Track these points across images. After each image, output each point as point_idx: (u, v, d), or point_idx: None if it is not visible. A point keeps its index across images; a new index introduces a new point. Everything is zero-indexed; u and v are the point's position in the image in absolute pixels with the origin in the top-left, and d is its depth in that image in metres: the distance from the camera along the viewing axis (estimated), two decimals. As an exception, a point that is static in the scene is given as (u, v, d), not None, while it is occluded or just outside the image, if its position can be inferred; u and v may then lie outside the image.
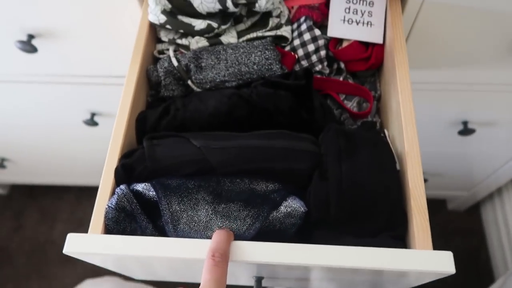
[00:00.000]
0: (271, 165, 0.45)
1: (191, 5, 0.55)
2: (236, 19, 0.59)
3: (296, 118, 0.50)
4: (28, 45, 0.68)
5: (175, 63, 0.54)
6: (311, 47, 0.56)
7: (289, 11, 0.60)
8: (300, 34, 0.57)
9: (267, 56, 0.53)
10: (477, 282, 1.27)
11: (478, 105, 0.84)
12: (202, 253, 0.39)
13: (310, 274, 0.48)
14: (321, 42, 0.56)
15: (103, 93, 0.86)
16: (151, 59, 0.59)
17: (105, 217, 0.43)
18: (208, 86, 0.54)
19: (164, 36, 0.58)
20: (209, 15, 0.57)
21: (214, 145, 0.45)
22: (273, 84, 0.50)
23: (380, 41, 0.58)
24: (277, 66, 0.54)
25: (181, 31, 0.56)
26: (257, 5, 0.55)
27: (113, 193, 0.45)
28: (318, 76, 0.57)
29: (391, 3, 0.57)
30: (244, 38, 0.57)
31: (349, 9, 0.58)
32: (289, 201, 0.43)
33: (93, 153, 1.16)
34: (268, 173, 0.45)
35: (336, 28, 0.57)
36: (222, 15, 0.57)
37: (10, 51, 0.72)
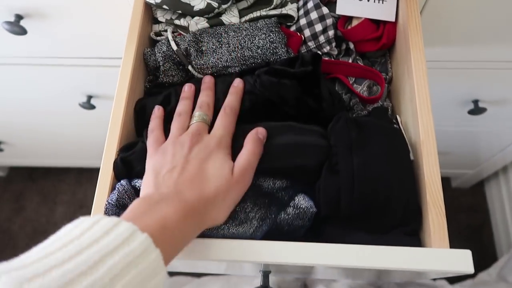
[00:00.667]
0: (279, 162, 0.42)
1: (189, -17, 0.51)
2: (237, -4, 0.55)
3: (303, 108, 0.47)
4: (17, 26, 0.64)
5: (174, 47, 0.50)
6: (318, 27, 0.53)
7: (295, -13, 0.56)
8: (307, 13, 0.53)
9: (271, 39, 0.50)
10: (481, 259, 1.27)
11: (489, 83, 0.80)
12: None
13: (317, 267, 0.46)
14: (329, 21, 0.52)
15: (98, 75, 0.82)
16: (148, 41, 0.55)
17: (105, 214, 0.41)
18: (209, 71, 0.50)
19: (161, 16, 0.54)
20: (209, -6, 0.53)
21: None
22: (278, 72, 0.46)
23: (393, 19, 0.54)
24: (283, 49, 0.50)
25: (179, 11, 0.52)
26: (260, -19, 0.51)
27: (112, 188, 0.43)
28: (326, 58, 0.54)
29: (405, -22, 0.53)
30: (247, 17, 0.54)
31: (359, -16, 0.53)
32: (297, 200, 0.41)
33: (92, 135, 1.14)
34: (276, 169, 0.42)
35: (346, 5, 0.53)
36: (223, -7, 0.53)
37: (-2, 33, 0.68)
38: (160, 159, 0.40)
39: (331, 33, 0.53)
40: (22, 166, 1.44)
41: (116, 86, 0.48)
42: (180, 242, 0.34)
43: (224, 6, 0.52)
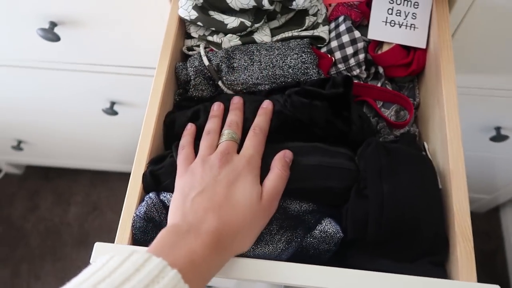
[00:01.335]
0: (305, 183, 0.42)
1: (223, 1, 0.52)
2: (269, 15, 0.55)
3: (332, 129, 0.47)
4: (50, 33, 0.65)
5: (206, 62, 0.51)
6: (349, 50, 0.53)
7: (327, 9, 0.57)
8: (338, 36, 0.54)
9: (303, 60, 0.50)
10: (493, 286, 1.25)
11: (513, 111, 0.80)
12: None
13: None
14: (360, 45, 0.53)
15: (123, 83, 0.83)
16: (180, 55, 0.56)
17: (133, 226, 0.42)
18: (239, 88, 0.51)
19: (194, 31, 0.55)
20: (241, 11, 0.54)
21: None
22: (309, 93, 0.47)
23: (424, 46, 0.54)
24: (314, 70, 0.50)
25: (213, 28, 0.53)
26: (294, 3, 0.51)
27: (141, 200, 0.44)
28: (356, 81, 0.54)
29: (438, 5, 0.53)
30: (279, 37, 0.54)
31: (392, 10, 0.54)
32: (324, 224, 0.41)
33: (109, 139, 1.15)
34: (302, 190, 0.42)
35: (377, 30, 0.54)
36: (255, 11, 0.54)
37: (32, 38, 0.69)
38: (189, 180, 0.40)
39: (361, 56, 0.53)
40: (38, 165, 1.46)
41: (148, 99, 0.49)
42: (207, 276, 0.34)
43: (256, 25, 0.53)
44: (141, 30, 0.68)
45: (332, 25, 0.55)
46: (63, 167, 1.44)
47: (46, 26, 0.66)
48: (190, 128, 0.47)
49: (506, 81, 0.71)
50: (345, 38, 0.53)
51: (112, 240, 0.41)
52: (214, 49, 0.54)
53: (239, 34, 0.53)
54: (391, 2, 0.54)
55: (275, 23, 0.56)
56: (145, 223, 0.41)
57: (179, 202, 0.39)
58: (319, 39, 0.54)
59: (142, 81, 0.81)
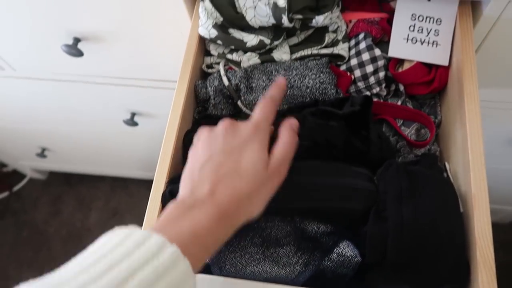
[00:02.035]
0: (323, 204, 0.42)
1: (243, 18, 0.52)
2: (288, 31, 0.55)
3: (350, 149, 0.46)
4: (74, 49, 0.67)
5: (226, 82, 0.51)
6: (369, 68, 0.52)
7: (347, 25, 0.56)
8: (358, 53, 0.53)
9: (321, 80, 0.50)
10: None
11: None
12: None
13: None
14: (380, 63, 0.52)
15: (144, 95, 0.85)
16: (199, 73, 0.56)
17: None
18: (258, 107, 0.51)
19: (213, 49, 0.56)
20: (261, 28, 0.54)
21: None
22: (325, 113, 0.46)
23: (446, 63, 0.53)
24: (332, 90, 0.50)
25: (232, 46, 0.53)
26: (314, 21, 0.51)
27: (159, 219, 0.44)
28: (375, 99, 0.53)
29: (461, 21, 0.52)
30: (298, 54, 0.54)
31: (414, 26, 0.53)
32: (342, 247, 0.40)
33: (129, 147, 1.17)
34: (320, 211, 0.42)
35: (399, 47, 0.53)
36: (275, 28, 0.54)
37: (56, 52, 0.71)
38: (196, 152, 0.40)
39: (381, 74, 0.53)
40: (61, 172, 1.50)
41: (168, 117, 0.50)
42: (212, 246, 0.34)
43: (276, 43, 0.53)
44: (162, 45, 0.69)
45: (352, 42, 0.55)
46: (85, 173, 1.47)
47: (70, 42, 0.68)
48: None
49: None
50: (365, 56, 0.52)
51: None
52: (233, 67, 0.55)
53: (258, 52, 0.54)
54: (413, 19, 0.53)
55: (294, 40, 0.56)
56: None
57: (187, 175, 0.39)
58: (339, 56, 0.54)
59: (162, 93, 0.82)
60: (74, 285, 0.27)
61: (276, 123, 0.44)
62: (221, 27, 0.53)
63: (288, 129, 0.40)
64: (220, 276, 0.40)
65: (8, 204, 1.49)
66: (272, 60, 0.53)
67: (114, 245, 0.30)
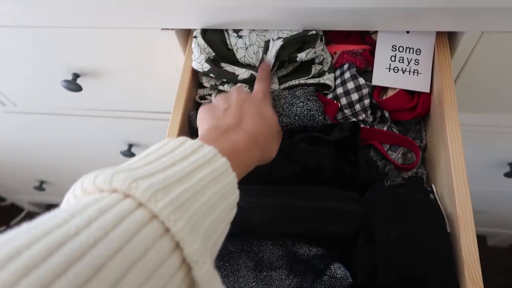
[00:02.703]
0: (314, 227, 0.43)
1: (234, 55, 0.55)
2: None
3: (339, 174, 0.48)
4: (73, 84, 0.70)
5: (217, 112, 0.53)
6: (354, 96, 0.55)
7: (332, 57, 0.60)
8: (344, 83, 0.56)
9: (309, 107, 0.52)
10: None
11: (526, 147, 0.80)
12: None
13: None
14: (365, 91, 0.55)
15: (141, 127, 0.87)
16: (193, 104, 0.59)
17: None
18: (249, 136, 0.53)
19: (206, 82, 0.58)
20: (250, 63, 0.57)
21: (255, 203, 0.44)
22: (315, 139, 0.49)
23: (427, 90, 0.56)
24: (320, 117, 0.52)
25: (224, 79, 0.56)
26: (298, 58, 0.54)
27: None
28: (362, 125, 0.56)
29: (439, 51, 0.55)
30: (286, 84, 0.57)
31: (395, 57, 0.56)
32: (333, 269, 0.41)
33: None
34: (311, 234, 0.43)
35: (382, 76, 0.56)
36: (264, 61, 0.57)
37: (56, 88, 0.74)
38: (215, 104, 0.44)
39: (366, 102, 0.55)
40: (58, 204, 1.50)
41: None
42: (247, 167, 0.37)
43: (265, 75, 0.56)
44: (157, 78, 0.72)
45: (338, 72, 0.58)
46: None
47: (70, 77, 0.71)
48: None
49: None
50: (350, 85, 0.55)
51: None
52: (225, 98, 0.57)
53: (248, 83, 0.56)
54: (394, 50, 0.56)
55: (283, 71, 0.59)
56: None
57: (209, 116, 0.42)
58: (325, 86, 0.57)
59: (158, 124, 0.84)
60: (144, 171, 0.27)
61: None
62: (214, 61, 0.56)
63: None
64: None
65: (5, 239, 1.48)
66: (262, 91, 0.56)
67: (171, 148, 0.31)
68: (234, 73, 0.55)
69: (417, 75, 0.56)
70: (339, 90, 0.56)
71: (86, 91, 0.74)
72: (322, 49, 0.57)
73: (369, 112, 0.56)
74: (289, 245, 0.43)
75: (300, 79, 0.57)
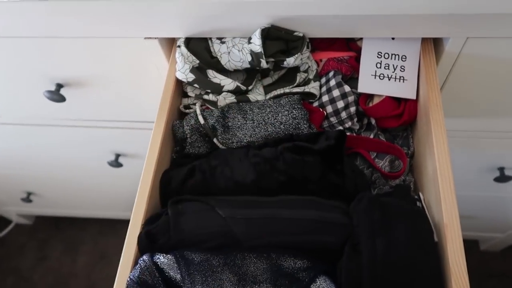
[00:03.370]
0: (299, 238, 0.42)
1: (218, 62, 0.55)
2: (262, 72, 0.58)
3: (325, 183, 0.47)
4: (56, 95, 0.68)
5: (202, 121, 0.53)
6: (340, 104, 0.54)
7: (317, 64, 0.59)
8: (329, 90, 0.55)
9: (294, 116, 0.52)
10: (516, 332, 1.18)
11: (515, 152, 0.79)
12: None
13: None
14: (350, 98, 0.54)
15: (127, 136, 0.86)
16: (177, 114, 0.58)
17: (127, 290, 0.42)
18: (234, 145, 0.52)
19: (190, 91, 0.57)
20: (235, 71, 0.56)
21: (240, 214, 0.43)
22: (301, 149, 0.48)
23: (414, 97, 0.55)
24: (305, 125, 0.52)
25: (209, 90, 0.55)
26: (285, 62, 0.54)
27: (136, 261, 0.44)
28: (348, 133, 0.55)
29: (425, 57, 0.55)
30: (271, 94, 0.56)
31: (380, 64, 0.56)
32: (319, 283, 0.40)
33: (116, 188, 1.16)
34: (296, 246, 0.42)
35: (367, 83, 0.55)
36: (248, 70, 0.57)
37: (40, 99, 0.73)
38: None
39: (352, 109, 0.55)
40: (47, 216, 1.48)
41: (145, 158, 0.50)
42: None
43: (250, 87, 0.55)
44: (141, 87, 0.71)
45: (323, 80, 0.57)
46: (73, 217, 1.45)
47: (53, 88, 0.69)
48: None
49: (499, 124, 0.71)
50: (336, 93, 0.54)
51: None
52: (210, 107, 0.56)
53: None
54: (379, 56, 0.56)
55: (268, 80, 0.58)
56: (138, 287, 0.41)
57: None
58: (311, 94, 0.56)
59: (145, 134, 0.83)
60: None
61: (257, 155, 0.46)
62: (199, 69, 0.55)
63: None
64: (197, 318, 0.40)
65: (-7, 251, 1.45)
66: (248, 101, 0.55)
67: None
68: (219, 84, 0.54)
69: (403, 81, 0.55)
70: (325, 98, 0.55)
71: (71, 101, 0.73)
72: (308, 57, 0.56)
73: (355, 119, 0.55)
74: (273, 258, 0.42)
75: (285, 88, 0.56)
